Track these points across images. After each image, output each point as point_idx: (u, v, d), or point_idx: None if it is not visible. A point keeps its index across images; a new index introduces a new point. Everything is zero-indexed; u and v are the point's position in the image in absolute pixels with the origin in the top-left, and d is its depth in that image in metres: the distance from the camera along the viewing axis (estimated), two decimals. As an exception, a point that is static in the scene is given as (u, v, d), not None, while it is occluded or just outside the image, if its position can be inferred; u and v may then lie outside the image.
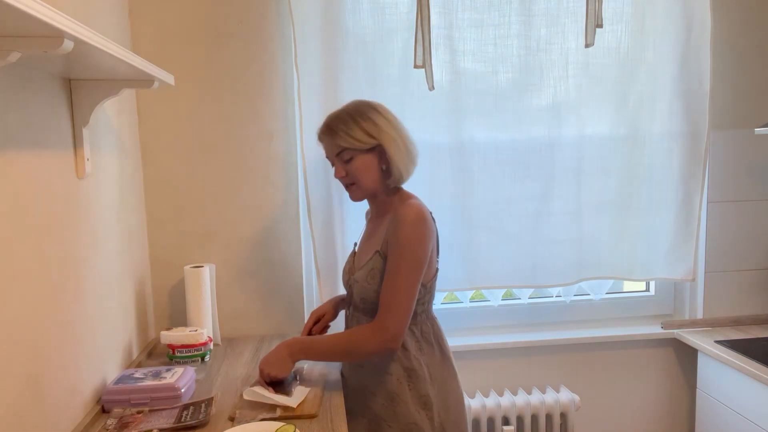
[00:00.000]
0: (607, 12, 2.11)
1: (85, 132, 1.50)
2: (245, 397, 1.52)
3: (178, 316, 2.13)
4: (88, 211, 1.54)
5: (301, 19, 2.01)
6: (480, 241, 2.20)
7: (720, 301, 2.39)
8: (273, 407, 1.47)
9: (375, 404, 1.60)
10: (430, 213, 1.59)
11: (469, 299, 2.34)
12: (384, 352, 1.54)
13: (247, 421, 1.39)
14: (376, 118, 1.57)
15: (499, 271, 2.22)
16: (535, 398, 2.24)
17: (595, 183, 2.23)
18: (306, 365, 1.77)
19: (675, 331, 2.36)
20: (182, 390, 1.52)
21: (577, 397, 2.25)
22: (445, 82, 2.11)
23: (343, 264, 2.13)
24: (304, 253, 2.18)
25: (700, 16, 2.14)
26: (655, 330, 2.38)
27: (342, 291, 2.01)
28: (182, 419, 1.41)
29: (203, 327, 1.93)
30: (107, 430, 1.38)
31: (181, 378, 1.56)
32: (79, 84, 1.47)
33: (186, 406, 1.48)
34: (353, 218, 2.10)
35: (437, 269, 1.65)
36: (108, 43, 1.09)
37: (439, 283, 1.69)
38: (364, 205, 1.77)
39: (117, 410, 1.47)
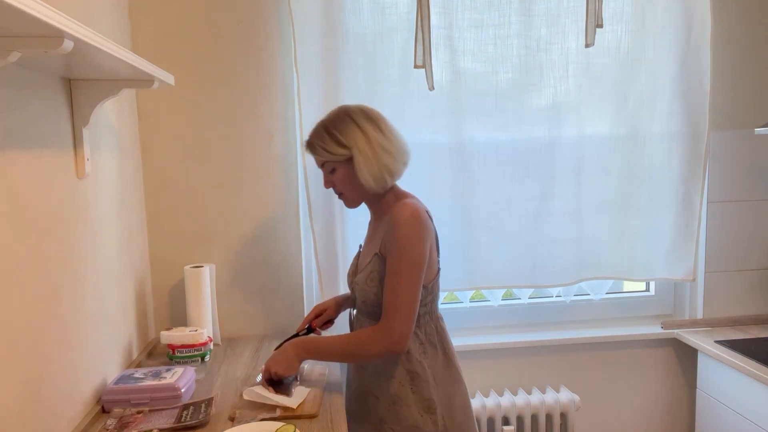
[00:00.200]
0: (607, 12, 2.12)
1: (85, 132, 1.50)
2: (245, 397, 1.52)
3: (178, 316, 2.13)
4: (87, 211, 1.54)
5: (300, 19, 2.01)
6: (480, 241, 2.20)
7: (720, 301, 2.39)
8: (273, 407, 1.47)
9: (378, 407, 1.59)
10: (427, 211, 1.58)
11: (469, 299, 2.34)
12: (390, 354, 1.52)
13: (247, 421, 1.39)
14: (347, 128, 1.54)
15: (499, 271, 2.22)
16: (535, 398, 2.24)
17: (595, 183, 2.23)
18: (306, 365, 1.77)
19: (675, 331, 2.36)
20: (182, 390, 1.52)
21: (577, 397, 2.25)
22: (445, 82, 2.11)
23: (344, 263, 2.13)
24: (304, 253, 2.18)
25: (700, 16, 2.15)
26: (655, 330, 2.38)
27: (344, 290, 2.01)
28: (182, 419, 1.41)
29: (203, 327, 1.94)
30: (107, 430, 1.38)
31: (181, 378, 1.56)
32: (79, 84, 1.47)
33: (186, 406, 1.48)
34: (354, 217, 2.09)
35: (439, 269, 1.63)
36: (108, 43, 1.09)
37: (440, 283, 1.68)
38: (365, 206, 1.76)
39: (117, 410, 1.47)
